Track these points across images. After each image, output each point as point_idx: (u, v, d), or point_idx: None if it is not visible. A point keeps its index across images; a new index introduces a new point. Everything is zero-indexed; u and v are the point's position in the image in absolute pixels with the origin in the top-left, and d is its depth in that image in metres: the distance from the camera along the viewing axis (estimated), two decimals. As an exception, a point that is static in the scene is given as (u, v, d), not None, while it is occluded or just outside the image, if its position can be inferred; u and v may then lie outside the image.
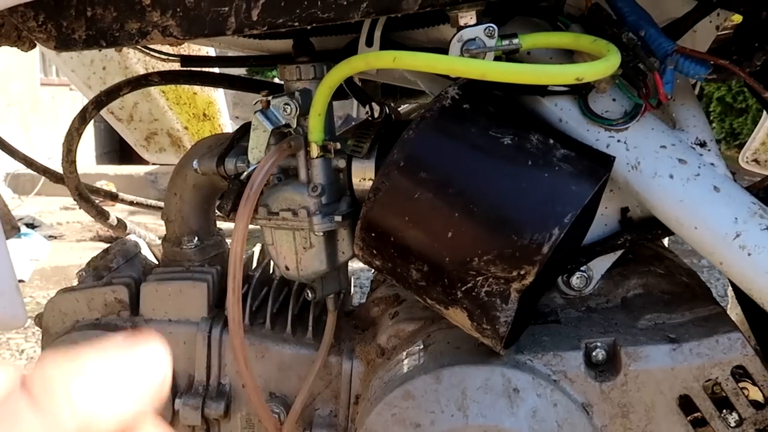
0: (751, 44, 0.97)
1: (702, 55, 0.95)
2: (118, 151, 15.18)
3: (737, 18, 1.15)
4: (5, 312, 0.97)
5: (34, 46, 1.25)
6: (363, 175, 1.06)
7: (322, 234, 1.05)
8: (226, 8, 0.89)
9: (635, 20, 0.96)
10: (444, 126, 0.91)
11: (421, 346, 1.06)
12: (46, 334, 1.23)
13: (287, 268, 1.09)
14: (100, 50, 1.08)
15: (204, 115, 1.89)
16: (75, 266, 5.28)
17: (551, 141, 0.91)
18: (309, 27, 0.91)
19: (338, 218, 1.04)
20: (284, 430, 1.13)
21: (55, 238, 6.81)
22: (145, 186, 9.00)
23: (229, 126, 1.97)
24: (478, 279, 0.89)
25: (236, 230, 0.99)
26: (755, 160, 1.74)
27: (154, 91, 1.81)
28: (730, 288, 1.52)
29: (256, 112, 1.04)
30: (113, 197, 1.54)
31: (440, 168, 0.89)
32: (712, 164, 0.99)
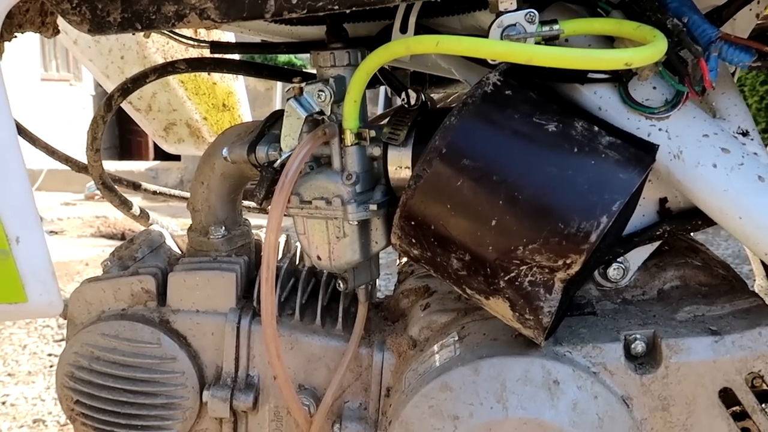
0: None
1: (746, 42, 0.94)
2: (118, 146, 15.18)
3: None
4: (42, 299, 0.96)
5: (58, 32, 1.23)
6: (399, 164, 1.04)
7: (356, 223, 1.03)
8: (266, -9, 0.87)
9: (678, 6, 0.95)
10: (487, 112, 0.89)
11: (456, 338, 1.04)
12: (71, 324, 1.21)
13: (319, 258, 1.07)
14: (134, 34, 1.06)
15: (223, 105, 1.87)
16: (76, 262, 5.27)
17: (596, 128, 0.90)
18: (348, 11, 0.89)
19: (373, 207, 1.02)
20: (314, 422, 1.11)
21: (56, 233, 6.79)
22: (145, 182, 8.96)
23: (249, 117, 1.96)
24: (521, 268, 0.87)
25: (271, 219, 0.97)
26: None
27: (173, 81, 1.80)
28: (757, 281, 1.50)
29: (289, 98, 1.02)
30: (136, 187, 1.53)
31: (483, 155, 0.87)
32: (756, 154, 0.98)
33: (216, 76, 1.86)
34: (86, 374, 1.18)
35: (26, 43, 11.32)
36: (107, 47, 1.74)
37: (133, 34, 1.09)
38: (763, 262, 0.98)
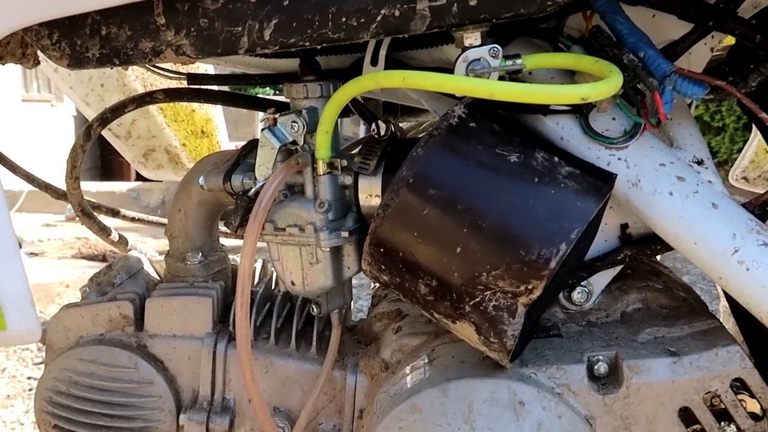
0: (746, 66, 1.01)
1: (699, 76, 0.98)
2: (99, 167, 15.10)
3: (729, 40, 1.18)
4: (21, 327, 0.97)
5: (38, 63, 1.26)
6: (369, 192, 1.08)
7: (328, 249, 1.06)
8: (239, 28, 0.91)
9: (634, 42, 0.99)
10: (452, 144, 0.93)
11: (426, 360, 1.08)
12: (49, 349, 1.23)
13: (293, 284, 1.10)
14: (112, 68, 1.09)
15: (202, 132, 1.90)
16: (56, 283, 5.23)
17: (556, 159, 0.93)
18: (318, 47, 0.93)
19: (345, 234, 1.05)
20: (289, 444, 1.13)
21: (36, 255, 6.74)
22: (127, 203, 8.95)
23: (227, 143, 1.98)
24: (486, 293, 0.91)
25: (245, 246, 1.00)
26: (744, 178, 1.78)
27: (152, 108, 1.83)
28: (722, 302, 1.55)
29: (263, 129, 1.05)
30: (115, 213, 1.55)
31: (449, 185, 0.91)
32: (710, 181, 1.02)
33: (195, 104, 1.89)
34: (64, 399, 1.20)
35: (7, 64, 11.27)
36: (87, 75, 1.77)
37: (111, 68, 1.12)
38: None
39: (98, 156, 15.04)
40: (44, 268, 6.08)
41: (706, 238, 0.97)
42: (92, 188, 9.56)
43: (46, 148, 10.70)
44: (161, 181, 9.48)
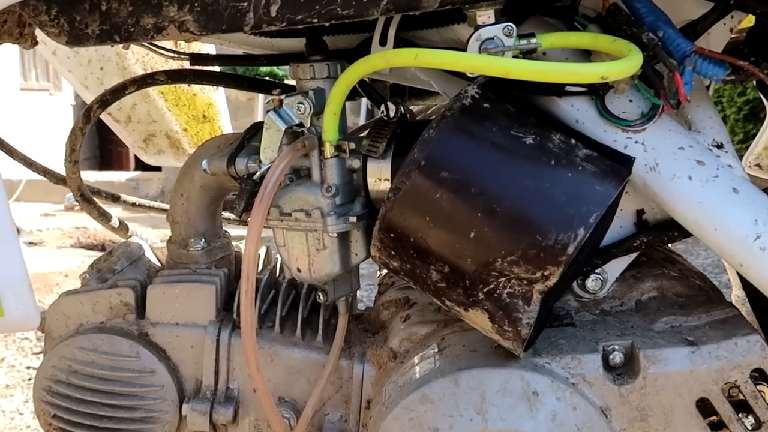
0: (768, 46, 0.98)
1: (720, 56, 0.95)
2: (98, 157, 15.08)
3: (749, 21, 1.15)
4: (19, 313, 0.95)
5: (36, 43, 1.23)
6: (378, 176, 1.04)
7: (335, 235, 1.03)
8: (245, 3, 0.88)
9: (653, 21, 0.96)
10: (465, 125, 0.90)
11: (436, 350, 1.05)
12: (48, 337, 1.20)
13: (299, 270, 1.07)
14: (112, 46, 1.06)
15: (204, 116, 1.87)
16: (55, 273, 5.21)
17: (573, 141, 0.90)
18: (327, 24, 0.89)
19: (353, 219, 1.02)
20: (294, 435, 1.11)
21: (35, 244, 6.72)
22: (126, 192, 8.88)
23: (229, 128, 1.95)
24: (500, 280, 0.88)
25: (250, 231, 0.97)
26: (758, 165, 1.75)
27: (153, 92, 1.79)
28: (734, 291, 1.52)
29: (268, 111, 1.02)
30: (115, 199, 1.52)
31: (462, 167, 0.88)
32: (730, 166, 0.99)
33: (196, 87, 1.85)
34: (64, 388, 1.17)
35: (5, 52, 11.23)
36: (87, 58, 1.73)
37: (112, 46, 1.09)
38: (739, 272, 0.99)
39: (97, 146, 15.01)
40: (43, 257, 6.07)
41: (727, 224, 0.94)
42: (91, 178, 9.53)
43: (44, 137, 10.65)
44: (160, 171, 9.49)
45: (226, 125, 1.94)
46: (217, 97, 1.91)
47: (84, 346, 1.16)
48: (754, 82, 0.98)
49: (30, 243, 6.64)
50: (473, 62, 0.87)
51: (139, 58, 1.75)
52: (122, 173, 11.52)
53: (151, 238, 1.39)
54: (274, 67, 8.27)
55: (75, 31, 0.92)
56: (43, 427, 1.20)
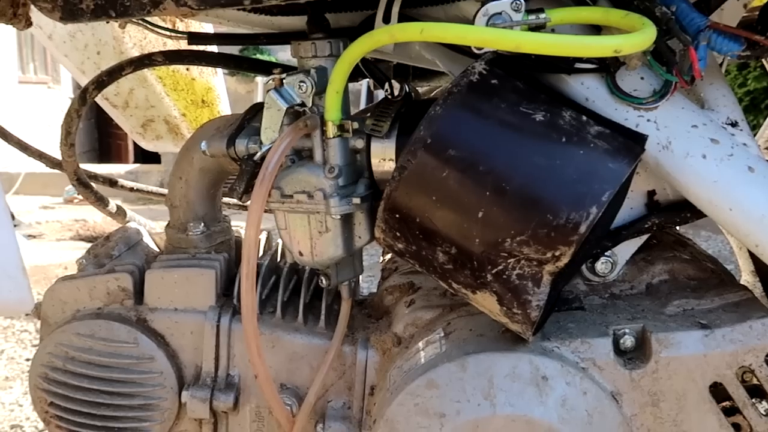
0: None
1: (736, 30, 0.92)
2: (97, 149, 15.06)
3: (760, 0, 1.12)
4: (11, 296, 0.92)
5: (30, 24, 1.20)
6: (383, 156, 1.02)
7: (338, 217, 1.00)
8: (245, -24, 0.85)
9: (666, -6, 0.93)
10: (472, 102, 0.87)
11: (442, 334, 1.02)
12: (45, 324, 1.17)
13: (301, 254, 1.04)
14: (108, 22, 1.03)
15: (203, 101, 1.84)
16: (55, 265, 5.19)
17: (584, 118, 0.88)
18: (329, 0, 0.87)
19: (356, 201, 0.99)
20: (297, 422, 1.08)
21: (34, 237, 6.70)
22: (126, 184, 8.88)
23: (228, 113, 1.92)
24: (509, 261, 0.85)
25: (251, 213, 0.94)
26: (767, 149, 1.73)
27: (151, 76, 1.76)
28: (743, 276, 1.49)
29: (269, 90, 0.99)
30: (112, 183, 1.49)
31: (470, 145, 0.85)
32: (745, 144, 0.97)
33: (195, 71, 1.82)
34: (61, 375, 1.14)
35: (3, 44, 11.19)
36: (83, 42, 1.70)
37: (107, 22, 1.06)
38: (752, 256, 0.97)
39: (96, 139, 14.99)
40: (42, 250, 6.04)
41: (743, 204, 0.91)
42: (90, 170, 9.50)
43: (42, 130, 10.61)
44: (160, 163, 9.46)
45: (225, 110, 1.91)
46: (216, 81, 1.88)
47: (81, 332, 1.13)
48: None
49: (29, 236, 6.62)
50: (483, 35, 0.84)
51: (136, 42, 1.72)
52: (121, 166, 11.50)
53: (149, 223, 1.37)
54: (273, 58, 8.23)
55: (69, 6, 0.89)
56: (40, 415, 1.17)
